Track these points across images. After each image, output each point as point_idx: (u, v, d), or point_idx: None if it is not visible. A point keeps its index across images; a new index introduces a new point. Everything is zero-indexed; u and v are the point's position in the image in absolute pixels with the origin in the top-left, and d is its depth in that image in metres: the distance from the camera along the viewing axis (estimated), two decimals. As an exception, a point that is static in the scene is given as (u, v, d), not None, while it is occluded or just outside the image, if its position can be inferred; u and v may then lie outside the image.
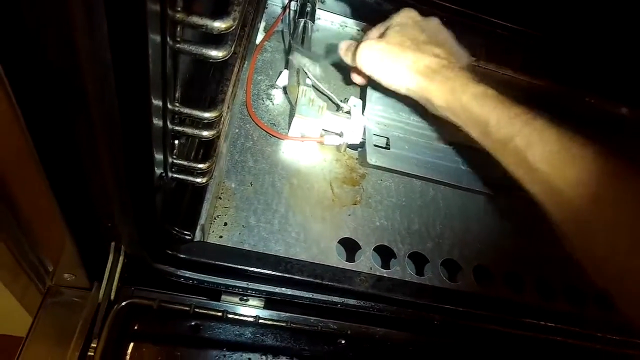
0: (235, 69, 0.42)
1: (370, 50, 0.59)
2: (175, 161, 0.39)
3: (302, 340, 0.45)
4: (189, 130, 0.36)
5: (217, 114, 0.36)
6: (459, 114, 0.54)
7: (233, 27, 0.29)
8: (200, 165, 0.41)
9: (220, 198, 0.55)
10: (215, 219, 0.53)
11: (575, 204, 0.43)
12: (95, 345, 0.41)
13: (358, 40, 0.62)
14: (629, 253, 0.39)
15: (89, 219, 0.37)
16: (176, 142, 0.39)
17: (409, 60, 0.57)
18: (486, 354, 0.56)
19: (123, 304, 0.42)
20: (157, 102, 0.30)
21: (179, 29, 0.29)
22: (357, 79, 0.66)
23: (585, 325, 0.56)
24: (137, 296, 0.43)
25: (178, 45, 0.29)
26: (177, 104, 0.33)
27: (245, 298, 0.50)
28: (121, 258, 0.43)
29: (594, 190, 0.42)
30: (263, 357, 0.42)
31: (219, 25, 0.29)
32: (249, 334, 0.43)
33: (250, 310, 0.48)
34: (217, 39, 0.32)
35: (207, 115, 0.35)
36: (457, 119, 0.55)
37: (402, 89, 0.59)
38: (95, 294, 0.43)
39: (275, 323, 0.44)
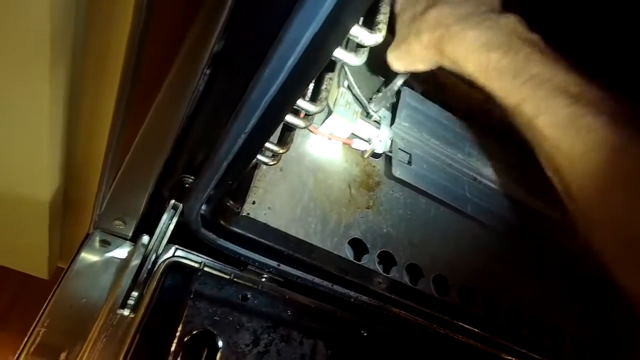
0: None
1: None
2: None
3: (333, 326, 0.48)
4: (297, 121, 0.38)
5: (320, 109, 0.38)
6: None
7: (380, 42, 0.33)
8: (276, 148, 0.43)
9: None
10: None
11: (583, 176, 0.40)
12: (136, 294, 0.42)
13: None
14: None
15: (174, 169, 0.39)
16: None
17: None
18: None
19: (171, 260, 0.43)
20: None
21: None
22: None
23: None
24: (184, 257, 0.45)
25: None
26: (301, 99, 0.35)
27: (265, 276, 0.53)
28: (175, 217, 0.44)
29: (602, 166, 0.38)
30: (301, 334, 0.45)
31: (370, 40, 0.32)
32: (290, 312, 0.45)
33: (273, 286, 0.51)
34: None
35: (312, 108, 0.38)
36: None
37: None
38: (142, 246, 0.44)
39: (302, 302, 0.47)
